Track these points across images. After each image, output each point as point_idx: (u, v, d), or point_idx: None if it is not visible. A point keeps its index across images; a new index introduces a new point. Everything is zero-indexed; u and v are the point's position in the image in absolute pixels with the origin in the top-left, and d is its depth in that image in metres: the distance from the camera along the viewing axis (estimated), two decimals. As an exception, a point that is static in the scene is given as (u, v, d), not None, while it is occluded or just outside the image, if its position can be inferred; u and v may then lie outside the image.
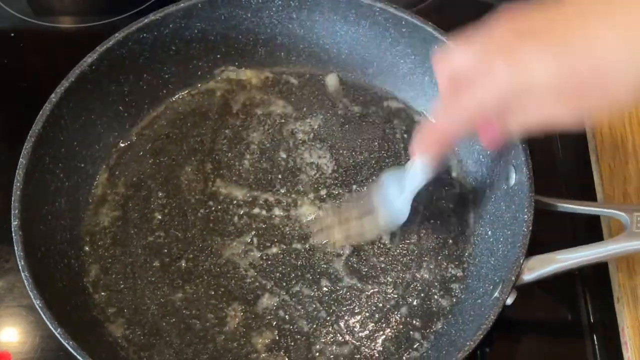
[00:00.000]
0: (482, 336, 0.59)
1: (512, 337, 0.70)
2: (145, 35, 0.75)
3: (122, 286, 0.69)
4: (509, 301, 0.62)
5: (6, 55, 0.86)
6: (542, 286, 0.70)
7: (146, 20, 0.74)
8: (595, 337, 0.70)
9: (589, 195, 0.76)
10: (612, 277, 0.71)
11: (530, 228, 0.62)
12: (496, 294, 0.63)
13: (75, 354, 0.59)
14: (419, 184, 0.65)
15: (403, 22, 0.75)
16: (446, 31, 0.72)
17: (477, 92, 0.51)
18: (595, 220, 0.74)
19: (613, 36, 0.47)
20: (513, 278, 0.61)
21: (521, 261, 0.62)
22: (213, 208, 0.73)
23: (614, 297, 0.70)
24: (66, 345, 0.59)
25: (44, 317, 0.60)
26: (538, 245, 0.63)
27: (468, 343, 0.59)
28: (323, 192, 0.74)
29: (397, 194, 0.68)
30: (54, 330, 0.59)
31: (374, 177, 0.74)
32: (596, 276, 0.72)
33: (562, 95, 0.49)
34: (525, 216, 0.63)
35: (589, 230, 0.74)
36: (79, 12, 0.93)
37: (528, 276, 0.62)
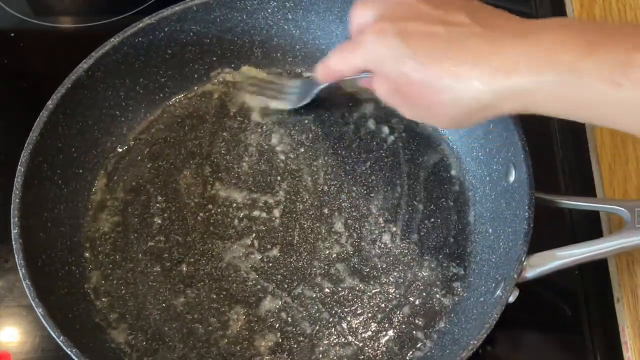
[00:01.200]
0: (485, 335, 0.59)
1: (513, 337, 0.70)
2: (140, 39, 0.75)
3: (123, 292, 0.69)
4: (512, 299, 0.62)
5: (6, 55, 0.86)
6: (542, 286, 0.70)
7: (141, 25, 0.74)
8: (595, 337, 0.70)
9: (588, 188, 0.76)
10: (612, 277, 0.71)
11: (532, 225, 0.62)
12: (498, 292, 0.63)
13: (79, 361, 0.59)
14: (320, 88, 0.75)
15: (399, 21, 0.74)
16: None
17: (353, 49, 0.59)
18: (594, 218, 0.74)
19: (454, 70, 0.52)
20: (515, 276, 0.61)
21: (523, 259, 0.62)
22: (213, 211, 0.73)
23: (614, 297, 0.70)
24: (69, 352, 0.59)
25: (46, 325, 0.60)
26: (537, 242, 0.63)
27: (472, 342, 0.59)
28: (323, 193, 0.74)
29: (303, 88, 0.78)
30: (56, 338, 0.59)
31: (372, 177, 0.75)
32: (596, 276, 0.72)
33: (398, 88, 0.57)
34: (526, 213, 0.63)
35: (589, 226, 0.74)
36: (79, 12, 0.92)
37: (530, 273, 0.62)
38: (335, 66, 0.63)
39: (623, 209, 0.63)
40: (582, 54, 0.47)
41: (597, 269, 0.72)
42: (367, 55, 0.57)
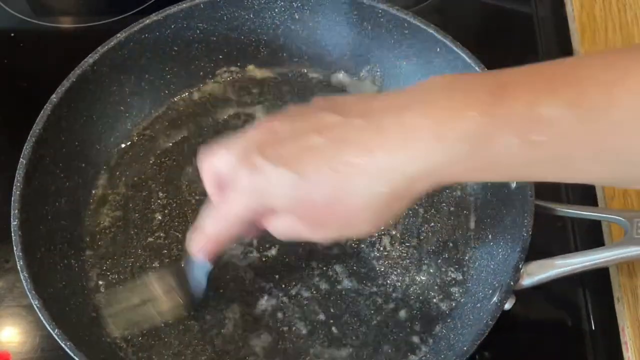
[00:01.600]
0: (479, 341, 0.59)
1: (512, 336, 0.70)
2: (146, 35, 0.75)
3: (122, 287, 0.69)
4: (508, 306, 0.61)
5: (6, 55, 0.86)
6: (543, 286, 0.70)
7: (148, 21, 0.74)
8: (595, 337, 0.70)
9: (589, 197, 0.75)
10: (612, 277, 0.71)
11: (530, 232, 0.62)
12: (495, 299, 0.62)
13: (72, 355, 0.59)
14: (206, 271, 0.63)
15: (405, 24, 0.74)
16: (446, 32, 0.72)
17: (230, 198, 0.52)
18: (596, 223, 0.73)
19: (355, 172, 0.46)
20: (512, 283, 0.61)
21: (520, 266, 0.61)
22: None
23: (614, 297, 0.70)
24: (64, 346, 0.59)
25: (41, 317, 0.60)
26: (538, 250, 0.63)
27: (465, 348, 0.59)
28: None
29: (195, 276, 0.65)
30: (51, 331, 0.59)
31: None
32: (596, 276, 0.72)
33: (301, 217, 0.50)
34: (525, 220, 0.63)
35: (591, 234, 0.74)
36: (79, 12, 0.93)
37: (527, 281, 0.62)
38: (216, 230, 0.54)
39: (622, 219, 0.63)
40: (484, 120, 0.43)
41: (597, 268, 0.71)
42: (250, 199, 0.50)
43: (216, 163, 0.52)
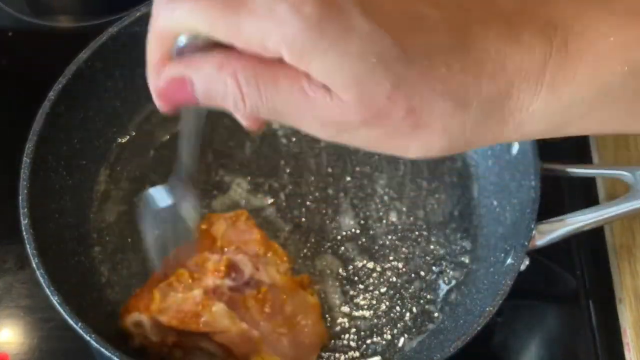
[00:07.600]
0: (500, 301, 0.60)
1: (514, 337, 0.71)
2: (137, 29, 0.74)
3: (134, 280, 0.69)
4: (522, 267, 0.63)
5: (6, 55, 0.85)
6: (544, 286, 0.72)
7: (138, 14, 0.74)
8: (596, 338, 0.70)
9: (583, 155, 0.76)
10: (614, 278, 0.71)
11: (539, 193, 0.64)
12: (509, 261, 0.63)
13: (98, 346, 0.58)
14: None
15: None
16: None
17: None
18: (588, 185, 0.75)
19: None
20: (526, 243, 0.62)
21: (532, 226, 0.63)
22: (218, 197, 0.73)
23: (616, 298, 0.70)
24: (88, 339, 0.58)
25: (62, 312, 0.59)
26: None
27: (488, 308, 0.60)
28: (327, 175, 0.75)
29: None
30: (74, 325, 0.59)
31: (375, 157, 0.75)
32: (598, 277, 0.73)
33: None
34: (533, 182, 0.64)
35: (586, 194, 0.75)
36: (78, 11, 0.92)
37: (540, 241, 0.63)
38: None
39: (626, 174, 0.64)
40: None
41: (599, 269, 0.72)
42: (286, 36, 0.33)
43: None
